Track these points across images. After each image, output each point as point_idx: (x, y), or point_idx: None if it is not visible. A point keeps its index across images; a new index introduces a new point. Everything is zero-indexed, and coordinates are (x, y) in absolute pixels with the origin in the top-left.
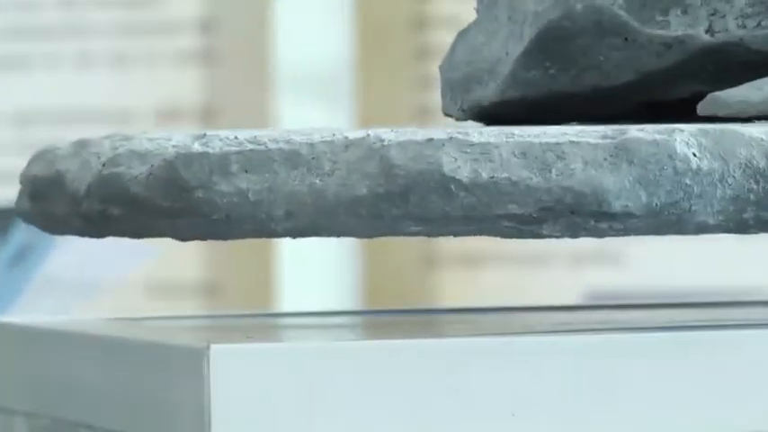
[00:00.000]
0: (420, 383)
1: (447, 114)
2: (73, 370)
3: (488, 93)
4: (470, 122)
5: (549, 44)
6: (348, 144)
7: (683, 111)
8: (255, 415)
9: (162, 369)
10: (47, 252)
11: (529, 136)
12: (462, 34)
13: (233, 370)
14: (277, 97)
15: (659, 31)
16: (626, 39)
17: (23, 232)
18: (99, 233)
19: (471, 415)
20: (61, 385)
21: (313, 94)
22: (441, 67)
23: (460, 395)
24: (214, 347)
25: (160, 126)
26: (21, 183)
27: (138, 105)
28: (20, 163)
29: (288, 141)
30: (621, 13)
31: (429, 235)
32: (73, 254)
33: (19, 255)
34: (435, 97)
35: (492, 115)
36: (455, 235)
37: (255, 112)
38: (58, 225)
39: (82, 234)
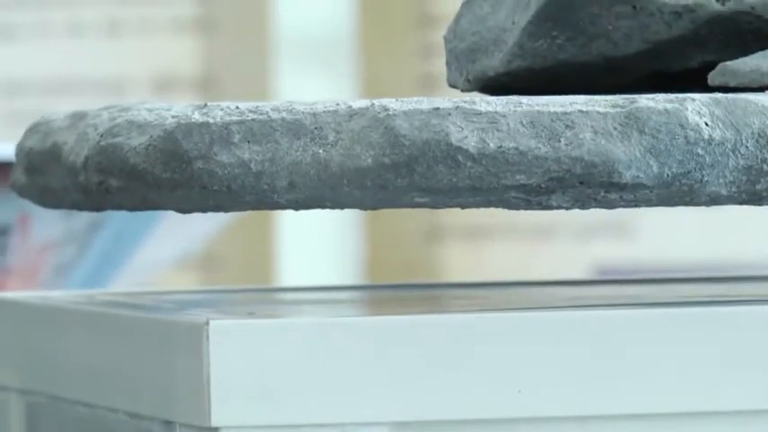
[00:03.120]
0: (424, 360)
1: (452, 85)
2: (70, 346)
3: (494, 63)
4: (476, 93)
5: (557, 13)
6: (352, 114)
7: (694, 80)
8: (255, 390)
9: (161, 345)
10: (145, 230)
11: (537, 105)
12: (468, 3)
13: (232, 346)
14: (277, 66)
15: (669, 0)
16: (635, 7)
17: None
18: (98, 206)
19: (477, 392)
20: (58, 362)
21: (314, 63)
22: (446, 38)
23: (465, 372)
24: (213, 323)
25: (155, 96)
26: (15, 156)
27: (132, 75)
28: (10, 133)
29: (290, 111)
30: None
31: (435, 206)
32: (164, 232)
33: (118, 233)
34: (438, 64)
35: (498, 86)
36: (461, 206)
37: (255, 81)
38: (55, 198)
39: (80, 208)
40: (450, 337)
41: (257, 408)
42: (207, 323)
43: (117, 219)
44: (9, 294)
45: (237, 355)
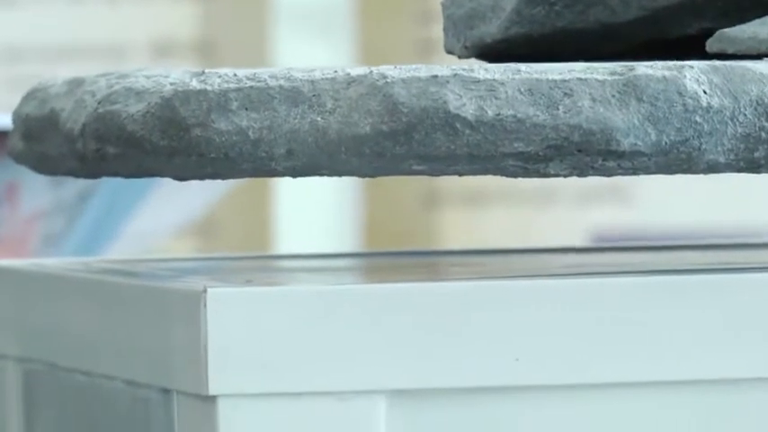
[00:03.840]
0: (421, 328)
1: (449, 52)
2: (67, 314)
3: (492, 29)
4: (473, 60)
5: None
6: (350, 81)
7: (692, 48)
8: (252, 359)
9: (158, 313)
10: (138, 199)
11: (535, 73)
12: None
13: (230, 313)
14: (275, 32)
15: None
16: None
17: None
18: (94, 173)
19: (475, 360)
20: (55, 330)
21: (312, 29)
22: (443, 4)
23: (463, 340)
24: (211, 291)
25: (155, 62)
26: (13, 122)
27: (131, 40)
28: (9, 99)
29: (288, 78)
30: None
31: (432, 174)
32: (157, 202)
33: (109, 202)
34: (437, 30)
35: (495, 53)
36: (459, 174)
37: (253, 48)
38: (52, 166)
39: (77, 175)
40: (448, 304)
41: (255, 376)
42: (204, 291)
43: (108, 188)
44: (4, 262)
45: (235, 323)
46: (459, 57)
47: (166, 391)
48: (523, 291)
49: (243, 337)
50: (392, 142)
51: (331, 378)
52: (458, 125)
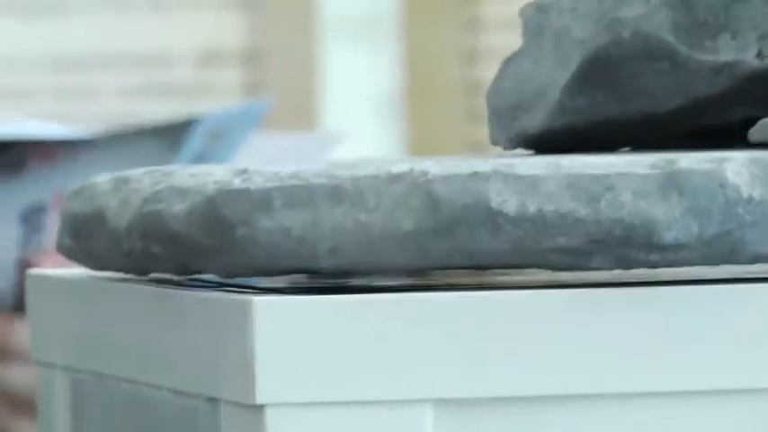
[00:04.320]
0: (468, 337)
1: (494, 143)
2: (115, 323)
3: (535, 121)
4: (518, 150)
5: (597, 71)
6: (392, 178)
7: (734, 135)
8: (300, 368)
9: (207, 322)
10: (226, 159)
11: (576, 167)
12: (509, 62)
13: (278, 323)
14: (322, 40)
15: (708, 57)
16: (674, 64)
17: (198, 142)
18: (142, 271)
19: (521, 369)
20: (103, 339)
21: (358, 37)
22: (487, 96)
23: (509, 349)
24: (259, 300)
25: (201, 71)
26: (61, 219)
27: (178, 49)
28: (56, 108)
29: (331, 176)
30: (670, 38)
31: (477, 268)
32: (250, 161)
33: (197, 162)
34: (483, 40)
35: (539, 143)
36: (503, 268)
37: (300, 56)
38: (100, 262)
39: (126, 271)
40: (496, 314)
41: (303, 385)
42: (253, 300)
43: None
44: (54, 271)
45: (283, 332)
46: (504, 148)
47: (214, 401)
48: (570, 301)
49: (291, 347)
50: (435, 239)
51: (378, 387)
52: (500, 221)
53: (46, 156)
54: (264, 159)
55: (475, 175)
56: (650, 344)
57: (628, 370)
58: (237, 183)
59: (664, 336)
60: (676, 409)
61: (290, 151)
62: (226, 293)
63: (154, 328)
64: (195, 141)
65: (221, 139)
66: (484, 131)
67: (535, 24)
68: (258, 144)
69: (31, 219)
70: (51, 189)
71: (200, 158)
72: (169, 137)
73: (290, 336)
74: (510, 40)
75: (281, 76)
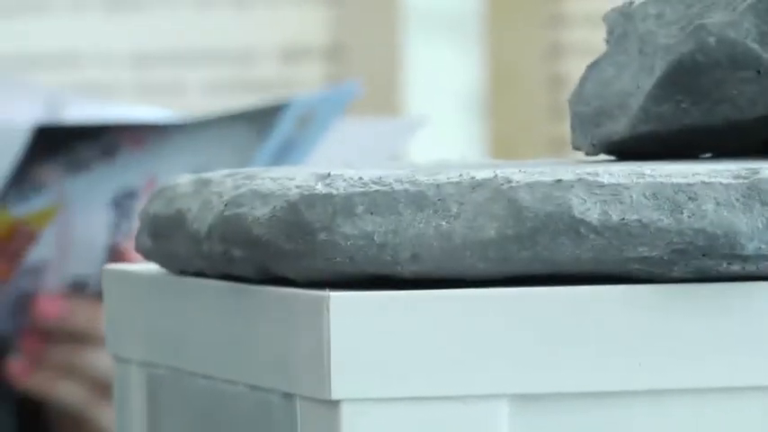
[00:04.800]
0: (543, 333)
1: (576, 148)
2: (191, 319)
3: (619, 127)
4: (601, 156)
5: (681, 78)
6: (475, 185)
7: None
8: (375, 363)
9: (282, 318)
10: (310, 148)
11: (660, 176)
12: (592, 67)
13: (353, 318)
14: (404, 36)
15: None
16: (759, 72)
17: (286, 127)
18: (221, 273)
19: (597, 365)
20: (179, 335)
21: (441, 33)
22: (570, 101)
23: (585, 345)
24: (334, 296)
25: (284, 66)
26: (140, 220)
27: (260, 45)
28: (140, 104)
29: (413, 182)
30: (755, 46)
31: (558, 277)
32: (335, 148)
33: (282, 150)
34: (567, 35)
35: (623, 149)
36: (584, 276)
37: (383, 52)
38: (180, 264)
39: (205, 275)
40: (572, 310)
41: (378, 380)
42: (328, 296)
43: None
44: (132, 267)
45: (358, 327)
46: (587, 154)
47: (289, 396)
48: (644, 295)
49: (366, 342)
50: (517, 246)
51: (454, 382)
52: (582, 230)
53: (137, 141)
54: (349, 145)
55: (558, 183)
56: (727, 340)
57: (705, 366)
58: (320, 187)
59: (741, 332)
60: (752, 405)
61: (374, 137)
62: (301, 290)
63: (230, 323)
64: (283, 127)
65: (308, 124)
66: (566, 127)
67: (620, 29)
68: (343, 130)
69: (122, 204)
70: (142, 174)
71: (287, 144)
72: (258, 122)
73: (365, 331)
74: (593, 36)
75: (363, 71)
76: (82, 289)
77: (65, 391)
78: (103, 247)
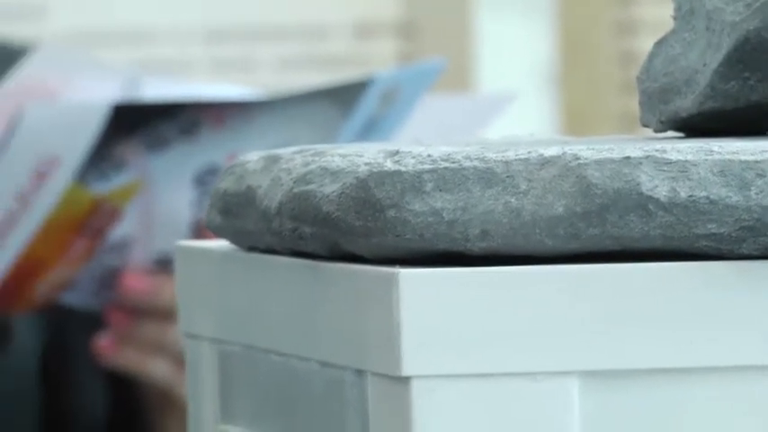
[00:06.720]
0: (614, 309)
1: (645, 125)
2: (263, 296)
3: (686, 104)
4: (669, 132)
5: (748, 54)
6: (544, 162)
7: None
8: (445, 340)
9: (353, 295)
10: (395, 125)
11: (728, 153)
12: (659, 44)
13: (423, 295)
14: (476, 11)
15: None
16: None
17: (370, 104)
18: (291, 250)
19: (667, 341)
20: (251, 312)
21: (514, 8)
22: (638, 78)
23: (655, 321)
24: (404, 272)
25: (357, 43)
26: (211, 196)
27: (334, 21)
28: (215, 80)
29: (482, 159)
30: None
31: (627, 253)
32: (424, 122)
33: (366, 128)
34: (637, 11)
35: (690, 126)
36: (653, 253)
37: (454, 29)
38: (249, 240)
39: (274, 251)
40: (643, 286)
41: (448, 357)
42: (398, 273)
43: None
44: (202, 243)
45: (428, 304)
46: (655, 131)
47: (360, 372)
48: (717, 273)
49: (436, 319)
50: (586, 223)
51: (523, 359)
52: (651, 206)
53: (218, 118)
54: (435, 123)
55: (627, 159)
56: None
57: None
58: (389, 164)
59: None
60: None
61: (461, 114)
62: (371, 266)
63: (301, 300)
64: (367, 104)
65: (393, 101)
66: (636, 102)
67: (687, 6)
68: (428, 107)
69: (204, 181)
70: (223, 151)
71: (371, 122)
72: (341, 99)
73: (435, 308)
74: (664, 12)
75: (435, 47)
76: (166, 265)
77: (153, 368)
78: (187, 223)
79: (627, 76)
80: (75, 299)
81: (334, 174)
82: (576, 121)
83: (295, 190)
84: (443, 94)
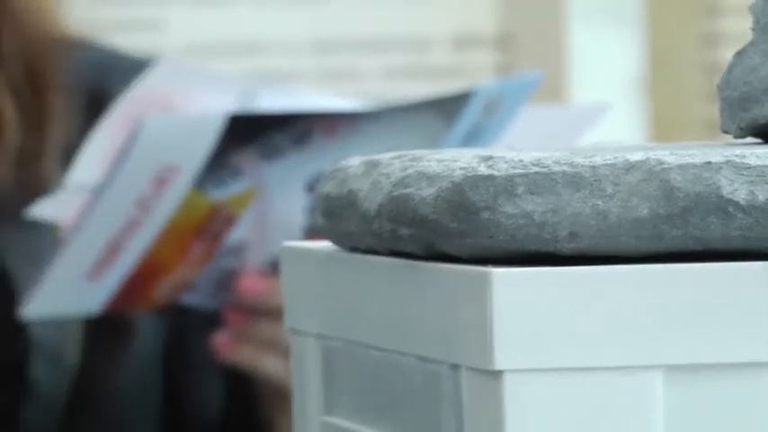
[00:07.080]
0: (698, 305)
1: (725, 132)
2: (364, 294)
3: (765, 111)
4: (749, 139)
5: None
6: (629, 167)
7: None
8: (535, 336)
9: (448, 293)
10: (496, 135)
11: None
12: (739, 54)
13: (515, 293)
14: (570, 24)
15: None
16: None
17: (473, 115)
18: (390, 251)
19: (753, 335)
20: (353, 309)
21: (605, 21)
22: (719, 86)
23: (740, 316)
24: (496, 271)
25: (456, 55)
26: (315, 200)
27: (434, 33)
28: (320, 90)
29: (571, 164)
30: None
31: (709, 254)
32: (523, 132)
33: (469, 138)
34: (723, 25)
35: None
36: (733, 253)
37: (549, 41)
38: (351, 241)
39: (375, 252)
40: (720, 284)
41: (538, 352)
42: (491, 272)
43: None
44: (306, 244)
45: (519, 302)
46: (735, 137)
47: (456, 367)
48: None
49: (527, 316)
50: (669, 225)
51: (610, 354)
52: (730, 209)
53: (330, 128)
54: (534, 132)
55: (708, 164)
56: None
57: None
58: (483, 169)
59: None
60: None
61: (559, 124)
62: (466, 266)
63: (400, 298)
64: (470, 114)
65: (494, 112)
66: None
67: (765, 20)
68: (527, 117)
69: (316, 188)
70: (332, 160)
71: (473, 131)
72: (445, 110)
73: (526, 305)
74: (745, 24)
75: (531, 58)
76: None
77: (267, 364)
78: (300, 228)
79: (711, 86)
80: (194, 299)
81: (431, 178)
82: (662, 128)
83: (394, 193)
84: (541, 105)
